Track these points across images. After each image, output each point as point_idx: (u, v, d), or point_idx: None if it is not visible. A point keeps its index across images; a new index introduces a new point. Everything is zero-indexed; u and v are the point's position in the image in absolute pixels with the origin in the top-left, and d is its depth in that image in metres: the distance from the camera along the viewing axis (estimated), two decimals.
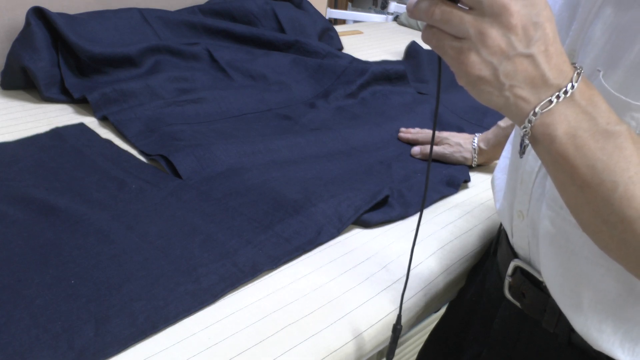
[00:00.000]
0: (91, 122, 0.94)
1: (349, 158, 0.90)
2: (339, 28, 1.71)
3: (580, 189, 0.39)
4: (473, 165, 0.90)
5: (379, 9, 3.10)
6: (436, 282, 0.67)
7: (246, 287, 0.60)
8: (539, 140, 0.39)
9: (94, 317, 0.53)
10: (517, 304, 0.58)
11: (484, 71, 0.37)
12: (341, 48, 1.47)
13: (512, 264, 0.58)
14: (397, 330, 0.56)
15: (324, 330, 0.56)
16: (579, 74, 0.38)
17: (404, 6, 2.01)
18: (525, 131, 0.39)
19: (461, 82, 0.39)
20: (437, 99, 0.45)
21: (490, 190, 0.85)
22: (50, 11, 1.02)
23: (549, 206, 0.50)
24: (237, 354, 0.52)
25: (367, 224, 0.73)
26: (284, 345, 0.54)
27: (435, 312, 0.81)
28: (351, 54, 1.35)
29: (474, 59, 0.37)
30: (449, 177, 0.84)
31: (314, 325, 0.56)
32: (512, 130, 0.81)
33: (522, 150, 0.40)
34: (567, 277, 0.50)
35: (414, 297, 0.64)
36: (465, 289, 0.74)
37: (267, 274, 0.63)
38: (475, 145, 0.89)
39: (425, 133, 0.96)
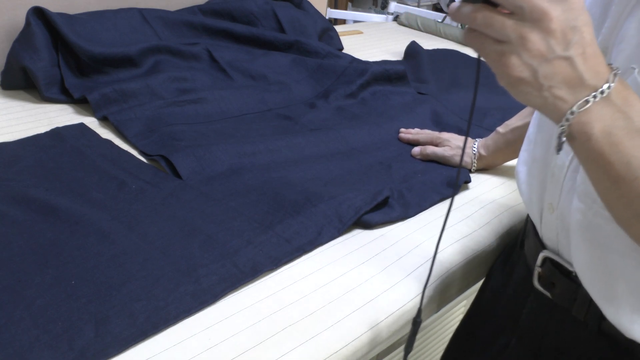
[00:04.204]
0: (91, 122, 0.94)
1: (349, 158, 0.90)
2: (339, 28, 1.71)
3: (615, 184, 0.41)
4: (472, 170, 0.90)
5: (379, 9, 3.10)
6: (437, 283, 0.67)
7: (246, 287, 0.60)
8: (575, 137, 0.41)
9: (94, 318, 0.53)
10: (547, 293, 0.59)
11: (524, 73, 0.39)
12: (341, 48, 1.47)
13: (541, 255, 0.59)
14: (417, 323, 0.57)
15: (325, 331, 0.56)
16: (615, 75, 0.39)
17: (404, 6, 2.01)
18: (563, 129, 0.41)
19: (502, 82, 0.41)
20: (474, 97, 0.47)
21: (491, 192, 0.85)
22: (50, 11, 1.02)
23: (581, 199, 0.51)
24: (238, 355, 0.52)
25: (367, 225, 0.73)
26: (284, 346, 0.54)
27: (435, 312, 0.81)
28: (351, 54, 1.35)
29: (514, 61, 0.39)
30: (450, 178, 0.84)
31: (314, 327, 0.56)
32: (511, 135, 0.83)
33: (559, 147, 0.42)
34: (599, 268, 0.51)
35: (414, 300, 0.64)
36: (488, 282, 0.75)
37: (267, 274, 0.63)
38: (476, 150, 0.89)
39: (425, 133, 0.96)
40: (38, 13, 1.02)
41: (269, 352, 0.53)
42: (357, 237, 0.71)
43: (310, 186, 0.78)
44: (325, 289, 0.61)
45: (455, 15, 0.41)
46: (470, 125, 0.48)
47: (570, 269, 0.56)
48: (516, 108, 1.14)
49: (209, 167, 0.81)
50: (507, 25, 0.38)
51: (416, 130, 0.98)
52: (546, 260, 0.59)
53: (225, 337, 0.53)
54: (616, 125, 0.39)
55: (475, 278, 0.77)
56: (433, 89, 1.23)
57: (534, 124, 0.63)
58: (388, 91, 1.17)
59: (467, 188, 0.86)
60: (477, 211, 0.79)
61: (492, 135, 0.88)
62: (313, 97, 1.13)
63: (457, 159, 0.88)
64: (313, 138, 0.93)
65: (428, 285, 0.65)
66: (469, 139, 0.91)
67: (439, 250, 0.70)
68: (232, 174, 0.80)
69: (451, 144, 0.90)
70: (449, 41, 1.71)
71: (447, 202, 0.81)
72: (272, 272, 0.63)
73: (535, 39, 0.38)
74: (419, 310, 0.56)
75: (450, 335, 0.96)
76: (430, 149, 0.91)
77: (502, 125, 0.86)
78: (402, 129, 0.99)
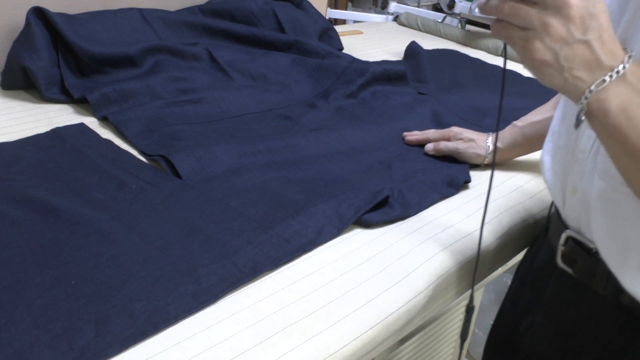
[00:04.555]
0: (91, 122, 0.94)
1: (349, 158, 0.90)
2: (339, 28, 1.71)
3: (632, 157, 0.45)
4: (485, 163, 0.89)
5: (379, 9, 3.10)
6: (436, 283, 0.67)
7: (246, 287, 0.60)
8: (594, 115, 0.45)
9: (94, 318, 0.53)
10: (569, 270, 0.63)
11: (547, 56, 0.44)
12: (341, 48, 1.47)
13: (564, 235, 0.63)
14: (471, 309, 0.62)
15: (325, 331, 0.56)
16: (629, 57, 0.44)
17: (404, 6, 2.01)
18: (582, 107, 0.45)
19: (526, 66, 0.46)
20: (503, 85, 0.53)
21: (491, 192, 0.85)
22: (50, 11, 1.02)
23: (601, 177, 0.55)
24: (238, 355, 0.52)
25: (367, 224, 0.73)
26: (284, 346, 0.54)
27: (434, 313, 0.81)
28: (351, 54, 1.35)
29: (538, 45, 0.44)
30: (450, 177, 0.84)
31: (314, 327, 0.56)
32: (529, 129, 0.86)
33: (577, 124, 0.47)
34: (616, 240, 0.55)
35: (414, 300, 0.64)
36: (518, 272, 0.79)
37: (267, 274, 0.63)
38: (490, 143, 0.89)
39: (433, 131, 0.95)
40: (38, 13, 1.02)
41: (269, 352, 0.53)
42: (357, 237, 0.71)
43: (310, 186, 0.78)
44: (325, 289, 0.61)
45: (483, 9, 0.46)
46: (500, 119, 0.56)
47: (591, 245, 0.59)
48: (516, 108, 1.14)
49: (209, 167, 0.81)
50: (531, 14, 0.43)
51: (420, 132, 0.97)
52: (569, 239, 0.63)
53: (225, 337, 0.53)
54: (632, 102, 0.43)
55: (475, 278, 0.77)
56: (433, 89, 1.23)
57: (557, 115, 0.67)
58: (388, 91, 1.17)
59: (467, 188, 0.85)
60: (477, 211, 0.79)
61: (509, 128, 0.88)
62: (313, 97, 1.13)
63: (471, 151, 0.89)
64: (313, 138, 0.93)
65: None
66: (482, 133, 0.92)
67: (436, 253, 0.70)
68: (232, 174, 0.80)
69: (463, 137, 0.90)
70: (449, 41, 1.71)
71: (447, 201, 0.81)
72: (272, 272, 0.63)
73: (556, 25, 0.43)
74: (471, 297, 0.60)
75: (451, 335, 0.96)
76: (443, 144, 0.91)
77: (520, 120, 0.87)
78: (406, 133, 0.98)
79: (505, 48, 0.51)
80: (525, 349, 0.71)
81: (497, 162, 0.90)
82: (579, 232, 0.62)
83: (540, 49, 0.44)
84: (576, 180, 0.60)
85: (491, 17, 0.46)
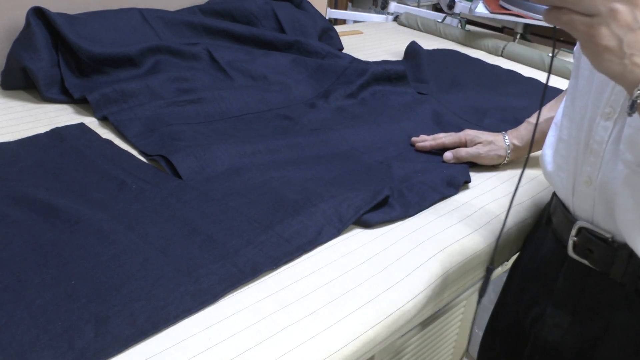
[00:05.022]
0: (91, 122, 0.94)
1: (349, 158, 0.90)
2: (339, 28, 1.71)
3: None
4: (505, 162, 0.90)
5: (379, 9, 3.10)
6: (436, 283, 0.67)
7: (246, 287, 0.60)
8: None
9: (94, 318, 0.53)
10: (583, 261, 0.63)
11: (612, 42, 0.44)
12: (341, 48, 1.47)
13: (577, 226, 0.64)
14: (490, 270, 0.67)
15: (325, 331, 0.56)
16: None
17: (404, 6, 2.01)
18: (638, 94, 0.46)
19: (587, 52, 0.47)
20: (549, 74, 0.57)
21: (491, 192, 0.85)
22: (50, 11, 1.02)
23: (627, 164, 0.56)
24: (237, 355, 0.52)
25: (367, 224, 0.73)
26: (284, 346, 0.54)
27: (432, 312, 0.81)
28: (351, 54, 1.35)
29: (604, 31, 0.44)
30: (450, 177, 0.84)
31: (314, 326, 0.56)
32: (545, 125, 0.86)
33: (632, 111, 0.47)
34: None
35: (414, 300, 0.64)
36: (519, 264, 0.80)
37: (267, 274, 0.63)
38: (508, 142, 0.89)
39: (448, 136, 0.93)
40: (38, 13, 1.02)
41: (269, 352, 0.53)
42: (357, 237, 0.71)
43: (310, 186, 0.78)
44: (325, 289, 0.61)
45: None
46: (542, 103, 0.60)
47: (607, 235, 0.60)
48: (516, 108, 1.14)
49: (209, 167, 0.81)
50: (597, 1, 0.44)
51: (430, 136, 0.95)
52: (581, 230, 0.63)
53: (225, 337, 0.53)
54: None
55: (473, 278, 0.77)
56: (433, 89, 1.23)
57: (561, 110, 0.69)
58: (388, 91, 1.17)
59: (467, 188, 0.85)
60: (477, 211, 0.79)
61: (525, 126, 0.89)
62: (313, 97, 1.13)
63: (492, 154, 0.89)
64: (313, 138, 0.93)
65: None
66: (495, 132, 0.92)
67: (436, 253, 0.70)
68: (232, 173, 0.80)
69: (482, 140, 0.90)
70: (449, 41, 1.71)
71: (447, 201, 0.81)
72: (272, 272, 0.63)
73: (623, 10, 0.43)
74: (492, 259, 0.67)
75: (451, 335, 0.96)
76: (464, 151, 0.89)
77: (533, 117, 0.88)
78: (415, 139, 0.96)
79: (554, 41, 0.53)
80: (534, 341, 0.71)
81: (513, 159, 0.91)
82: (591, 222, 0.62)
83: (606, 35, 0.44)
84: (592, 170, 0.60)
85: (542, 6, 0.47)
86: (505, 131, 0.91)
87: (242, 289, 0.60)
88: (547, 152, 0.70)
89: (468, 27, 1.81)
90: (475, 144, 0.90)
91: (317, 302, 0.59)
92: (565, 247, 0.65)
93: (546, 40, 1.84)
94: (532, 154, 0.93)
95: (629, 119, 0.55)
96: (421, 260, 0.68)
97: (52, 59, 1.02)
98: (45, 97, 0.99)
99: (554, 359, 0.69)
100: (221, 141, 0.87)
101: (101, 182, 0.75)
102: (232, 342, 0.53)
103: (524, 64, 1.52)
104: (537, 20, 1.48)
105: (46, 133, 0.88)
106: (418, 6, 2.18)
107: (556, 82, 1.33)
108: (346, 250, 0.68)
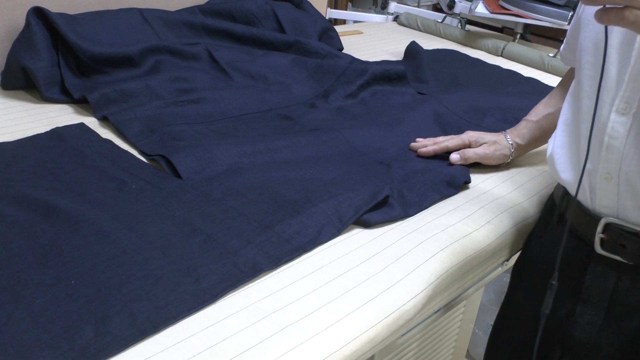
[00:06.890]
0: (91, 122, 0.94)
1: (349, 158, 0.90)
2: (339, 28, 1.71)
3: None
4: (508, 161, 0.90)
5: (379, 9, 3.10)
6: (436, 283, 0.67)
7: (246, 287, 0.60)
8: None
9: (94, 318, 0.53)
10: (614, 256, 0.64)
11: None
12: (341, 48, 1.47)
13: (603, 222, 0.64)
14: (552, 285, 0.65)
15: (325, 331, 0.56)
16: None
17: (404, 6, 2.01)
18: None
19: None
20: (603, 66, 0.55)
21: (491, 192, 0.85)
22: (50, 11, 1.02)
23: None
24: (237, 355, 0.52)
25: (367, 224, 0.73)
26: (284, 346, 0.54)
27: (435, 312, 0.81)
28: (351, 54, 1.35)
29: None
30: (450, 177, 0.84)
31: (314, 326, 0.56)
32: (545, 122, 0.88)
33: None
34: None
35: (414, 300, 0.64)
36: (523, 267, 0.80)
37: (267, 274, 0.63)
38: (511, 141, 0.90)
39: (450, 139, 0.91)
40: (38, 13, 1.02)
41: (269, 352, 0.53)
42: (357, 237, 0.71)
43: (310, 186, 0.78)
44: (325, 289, 0.61)
45: None
46: (596, 111, 0.58)
47: (637, 228, 0.61)
48: (516, 108, 1.14)
49: (209, 167, 0.81)
50: None
51: (430, 140, 0.93)
52: (609, 225, 0.63)
53: (225, 337, 0.53)
54: None
55: (473, 278, 0.77)
56: (433, 89, 1.23)
57: (567, 110, 0.68)
58: (388, 91, 1.17)
59: (467, 188, 0.85)
60: (477, 211, 0.79)
61: (524, 124, 0.90)
62: (313, 97, 1.13)
63: (498, 154, 0.89)
64: (313, 138, 0.93)
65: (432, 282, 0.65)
66: (496, 133, 0.91)
67: (436, 253, 0.70)
68: (232, 173, 0.80)
69: (487, 140, 0.90)
70: (449, 41, 1.71)
71: (447, 201, 0.81)
72: (272, 271, 0.63)
73: None
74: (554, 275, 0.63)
75: (451, 335, 0.96)
76: (471, 152, 0.88)
77: (531, 115, 0.89)
78: (415, 144, 0.94)
79: (606, 36, 0.53)
80: (565, 341, 0.70)
81: (516, 157, 0.91)
82: (617, 217, 0.63)
83: None
84: (610, 166, 0.61)
85: (598, 5, 0.47)
86: (505, 131, 0.91)
87: (242, 289, 0.60)
88: (558, 151, 0.69)
89: (468, 27, 1.81)
90: (480, 145, 0.90)
91: (317, 302, 0.59)
92: (588, 244, 0.65)
93: (546, 40, 1.84)
94: (533, 151, 0.94)
95: None
96: (421, 260, 0.68)
97: (52, 59, 1.02)
98: (45, 97, 0.99)
99: (588, 359, 0.68)
100: (221, 141, 0.87)
101: (101, 182, 0.75)
102: (232, 341, 0.53)
103: (523, 64, 1.52)
104: (537, 20, 1.48)
105: (46, 133, 0.88)
106: (418, 6, 2.18)
107: (556, 82, 1.33)
108: (346, 250, 0.68)
